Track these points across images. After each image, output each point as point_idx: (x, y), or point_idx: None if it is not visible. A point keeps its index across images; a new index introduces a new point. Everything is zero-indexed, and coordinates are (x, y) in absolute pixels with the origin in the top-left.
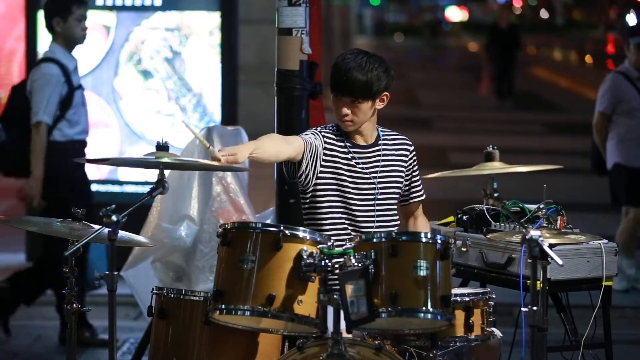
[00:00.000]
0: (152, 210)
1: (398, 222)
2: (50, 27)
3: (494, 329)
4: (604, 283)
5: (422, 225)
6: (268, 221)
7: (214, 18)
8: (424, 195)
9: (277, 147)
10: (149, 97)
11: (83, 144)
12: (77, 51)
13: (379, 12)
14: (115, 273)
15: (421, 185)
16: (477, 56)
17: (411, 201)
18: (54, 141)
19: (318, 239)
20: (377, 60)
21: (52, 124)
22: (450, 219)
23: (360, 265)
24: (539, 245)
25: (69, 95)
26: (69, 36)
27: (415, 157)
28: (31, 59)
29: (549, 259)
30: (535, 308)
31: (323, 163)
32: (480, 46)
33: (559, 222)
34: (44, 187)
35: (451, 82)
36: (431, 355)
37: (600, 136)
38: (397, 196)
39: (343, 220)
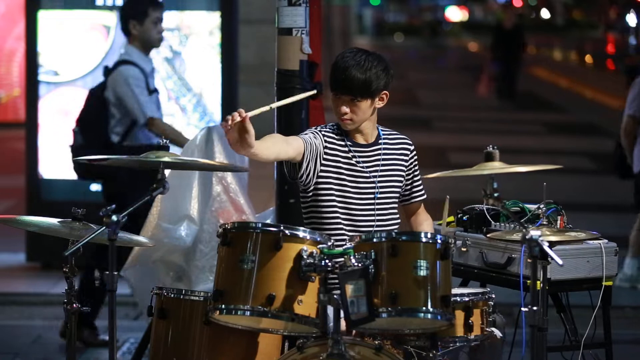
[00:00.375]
0: (152, 210)
1: (398, 222)
2: (126, 29)
3: (494, 329)
4: (604, 283)
5: (425, 222)
6: (268, 221)
7: (214, 18)
8: (425, 195)
9: (278, 146)
10: None
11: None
12: (153, 53)
13: (379, 12)
14: (115, 273)
15: (422, 185)
16: (477, 56)
17: (413, 201)
18: (128, 145)
19: (318, 239)
20: (376, 58)
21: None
22: (451, 219)
23: (360, 265)
24: (539, 245)
25: None
26: (145, 39)
27: (415, 157)
28: (31, 59)
29: (549, 258)
30: (535, 308)
31: (324, 162)
32: (482, 46)
33: (559, 222)
34: (120, 191)
35: (451, 82)
36: (431, 355)
37: (628, 140)
38: (397, 195)
39: (343, 220)
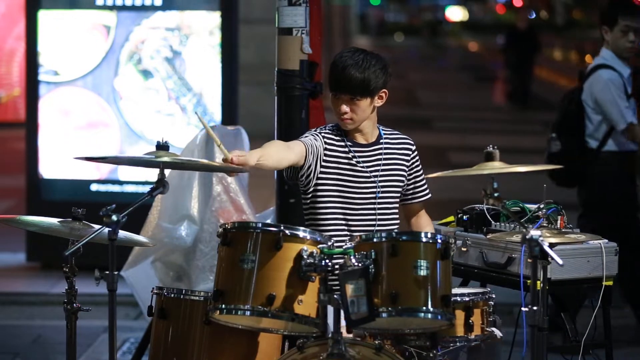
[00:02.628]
0: (152, 209)
1: (398, 222)
2: (600, 33)
3: (494, 328)
4: (604, 283)
5: (425, 224)
6: (268, 221)
7: (214, 18)
8: (429, 195)
9: (280, 154)
10: (149, 97)
11: (633, 155)
12: None
13: (379, 12)
14: (115, 273)
15: (426, 185)
16: (477, 56)
17: (414, 201)
18: (606, 151)
19: (318, 239)
20: (374, 57)
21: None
22: (450, 218)
23: (360, 265)
24: (539, 245)
25: None
26: (614, 45)
27: (417, 157)
28: (31, 59)
29: (549, 258)
30: (535, 308)
31: (324, 163)
32: (490, 51)
33: (559, 222)
34: (601, 198)
35: (451, 82)
36: (431, 355)
37: None
38: (397, 195)
39: (343, 220)
